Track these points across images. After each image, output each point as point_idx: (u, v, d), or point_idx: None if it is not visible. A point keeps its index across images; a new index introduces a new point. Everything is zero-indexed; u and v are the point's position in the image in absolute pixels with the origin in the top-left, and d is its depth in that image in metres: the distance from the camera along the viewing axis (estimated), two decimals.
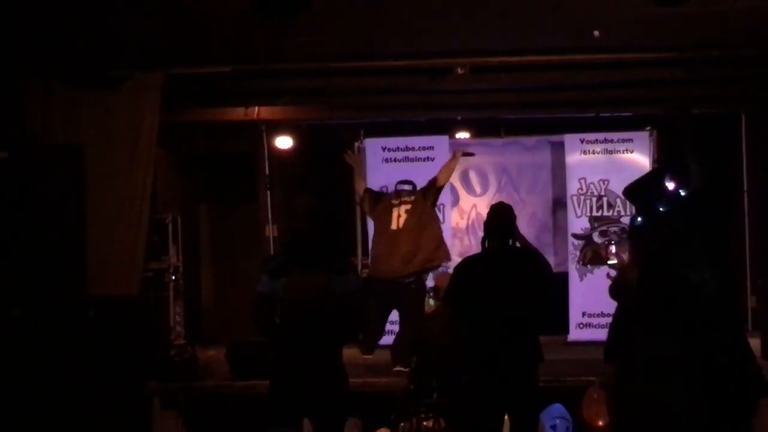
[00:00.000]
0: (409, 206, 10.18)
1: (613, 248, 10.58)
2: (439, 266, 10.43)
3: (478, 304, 6.72)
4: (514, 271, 6.75)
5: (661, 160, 11.71)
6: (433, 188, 10.27)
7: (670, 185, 6.15)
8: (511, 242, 6.92)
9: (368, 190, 10.60)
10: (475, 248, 9.93)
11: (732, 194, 12.05)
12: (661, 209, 6.11)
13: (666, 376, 5.94)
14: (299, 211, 6.65)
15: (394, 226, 10.16)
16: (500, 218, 6.93)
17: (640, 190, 6.37)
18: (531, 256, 6.95)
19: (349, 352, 9.80)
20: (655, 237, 6.38)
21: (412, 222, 10.10)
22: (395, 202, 10.27)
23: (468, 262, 7.10)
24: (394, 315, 10.42)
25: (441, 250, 10.40)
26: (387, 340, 10.58)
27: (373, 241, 10.42)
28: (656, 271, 6.06)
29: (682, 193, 6.14)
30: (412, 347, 8.91)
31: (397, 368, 9.36)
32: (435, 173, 10.61)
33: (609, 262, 10.42)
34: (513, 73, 10.45)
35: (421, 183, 10.64)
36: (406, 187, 10.51)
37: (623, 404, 6.52)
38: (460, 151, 10.69)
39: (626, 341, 6.18)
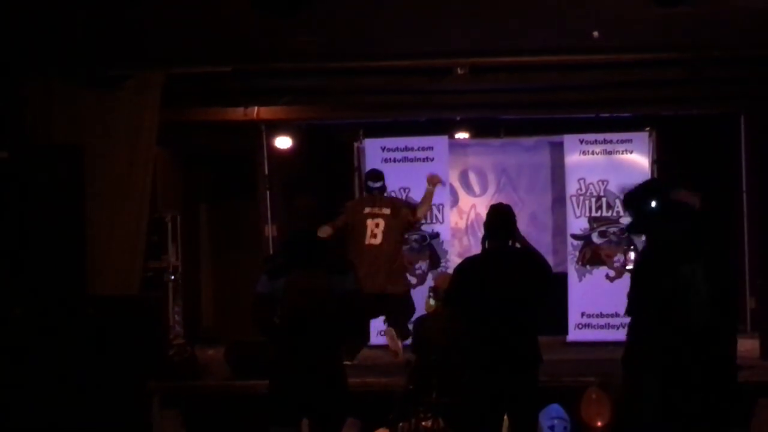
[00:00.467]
0: (381, 221, 10.27)
1: (632, 255, 10.58)
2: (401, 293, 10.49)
3: (479, 305, 6.72)
4: (514, 272, 6.75)
5: (661, 162, 11.74)
6: (408, 219, 10.43)
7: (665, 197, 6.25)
8: (511, 243, 6.92)
9: (345, 208, 10.55)
10: (475, 248, 9.95)
11: (730, 215, 11.99)
12: (653, 206, 6.18)
13: (661, 374, 5.98)
14: (299, 211, 6.66)
15: (368, 241, 10.24)
16: (500, 219, 6.93)
17: (636, 198, 6.43)
18: (531, 256, 6.96)
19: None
20: (649, 241, 6.46)
21: (388, 237, 10.24)
22: (368, 211, 10.32)
23: (468, 263, 7.11)
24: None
25: (404, 278, 10.62)
26: (382, 340, 10.67)
27: (351, 254, 10.27)
28: (647, 272, 6.14)
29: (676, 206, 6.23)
30: (412, 347, 8.93)
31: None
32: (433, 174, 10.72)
33: (627, 267, 10.41)
34: (512, 73, 10.46)
35: (416, 184, 10.73)
36: (377, 185, 10.49)
37: (626, 404, 6.55)
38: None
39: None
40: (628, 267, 10.36)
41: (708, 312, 5.93)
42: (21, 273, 8.83)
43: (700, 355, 5.94)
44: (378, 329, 11.55)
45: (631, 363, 6.27)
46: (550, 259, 8.87)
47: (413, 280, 11.49)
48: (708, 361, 5.95)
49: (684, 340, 5.94)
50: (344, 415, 6.77)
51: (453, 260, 11.47)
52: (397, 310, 10.23)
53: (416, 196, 11.54)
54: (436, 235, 11.89)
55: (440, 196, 11.71)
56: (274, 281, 6.45)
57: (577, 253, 11.76)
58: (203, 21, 8.65)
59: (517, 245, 6.97)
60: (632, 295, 6.19)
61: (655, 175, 11.78)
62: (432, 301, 8.86)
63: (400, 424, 7.98)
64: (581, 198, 11.80)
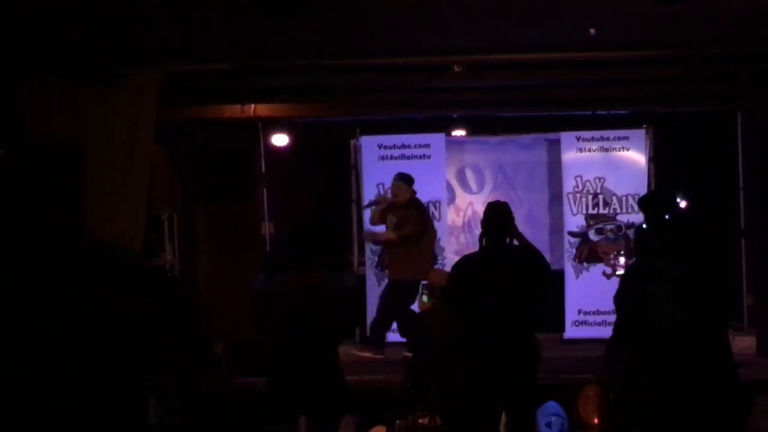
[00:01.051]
0: None
1: (621, 260, 10.62)
2: None
3: (477, 302, 6.72)
4: (512, 269, 6.75)
5: (657, 159, 11.76)
6: None
7: (682, 203, 6.35)
8: (508, 240, 6.92)
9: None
10: (472, 246, 9.96)
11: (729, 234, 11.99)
12: (666, 217, 6.27)
13: (643, 377, 6.03)
14: (296, 209, 6.67)
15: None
16: (497, 216, 6.93)
17: (653, 201, 6.51)
18: (529, 253, 6.96)
19: (347, 349, 9.89)
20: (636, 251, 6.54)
21: None
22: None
23: (466, 260, 7.11)
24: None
25: None
26: (389, 337, 10.69)
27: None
28: (625, 282, 6.24)
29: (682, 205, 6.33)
30: (409, 345, 8.94)
31: None
32: (431, 172, 10.79)
33: (617, 273, 10.44)
34: (509, 70, 10.44)
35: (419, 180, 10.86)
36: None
37: (618, 404, 6.57)
38: None
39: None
40: (617, 272, 10.38)
41: (673, 334, 5.96)
42: (19, 271, 8.83)
43: (683, 364, 5.96)
44: None
45: (612, 362, 6.36)
46: (547, 257, 8.88)
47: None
48: (689, 371, 5.97)
49: (662, 350, 5.98)
50: (341, 412, 6.78)
51: (450, 258, 11.47)
52: None
53: None
54: None
55: (437, 193, 11.72)
56: (271, 279, 6.46)
57: (574, 251, 11.78)
58: (201, 19, 8.64)
59: (515, 242, 6.97)
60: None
61: (652, 173, 11.81)
62: (425, 299, 8.85)
63: (397, 421, 7.99)
64: (578, 195, 11.82)
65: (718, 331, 6.15)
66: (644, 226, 6.39)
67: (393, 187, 10.73)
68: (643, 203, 6.67)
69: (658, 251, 6.15)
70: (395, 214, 10.74)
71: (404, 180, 10.69)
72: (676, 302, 5.94)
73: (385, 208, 10.82)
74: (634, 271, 6.36)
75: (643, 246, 6.41)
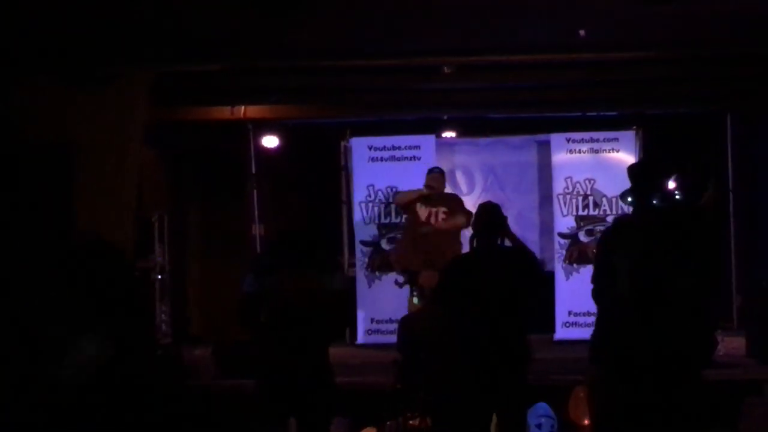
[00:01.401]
0: None
1: None
2: None
3: (469, 303, 6.72)
4: (503, 269, 6.75)
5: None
6: None
7: (671, 184, 6.23)
8: (500, 241, 6.92)
9: None
10: (463, 247, 9.95)
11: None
12: (654, 202, 6.15)
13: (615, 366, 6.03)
14: (287, 210, 6.67)
15: None
16: (489, 217, 6.93)
17: (643, 175, 6.34)
18: (521, 253, 6.96)
19: (337, 351, 9.88)
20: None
21: None
22: None
23: (458, 261, 7.12)
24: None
25: None
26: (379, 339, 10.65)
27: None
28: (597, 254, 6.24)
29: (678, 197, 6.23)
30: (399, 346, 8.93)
31: None
32: (421, 174, 10.73)
33: None
34: (499, 72, 10.46)
35: (403, 183, 10.80)
36: None
37: (605, 403, 6.57)
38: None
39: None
40: None
41: (627, 309, 5.93)
42: (9, 271, 8.80)
43: (654, 351, 5.94)
44: (366, 328, 11.59)
45: (598, 357, 6.35)
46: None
47: (400, 279, 11.50)
48: (664, 359, 5.95)
49: (640, 337, 5.96)
50: (332, 414, 6.77)
51: None
52: None
53: None
54: None
55: None
56: (261, 280, 6.44)
57: (564, 252, 11.78)
58: (192, 19, 8.63)
59: (507, 243, 6.97)
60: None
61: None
62: (416, 300, 8.85)
63: (388, 422, 7.99)
64: (568, 197, 11.82)
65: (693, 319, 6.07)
66: (629, 198, 6.22)
67: (431, 179, 10.53)
68: (634, 172, 6.32)
69: (634, 225, 6.11)
70: (444, 204, 10.53)
71: (441, 172, 10.63)
72: (637, 271, 5.88)
73: (417, 198, 10.59)
74: (603, 242, 6.28)
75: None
